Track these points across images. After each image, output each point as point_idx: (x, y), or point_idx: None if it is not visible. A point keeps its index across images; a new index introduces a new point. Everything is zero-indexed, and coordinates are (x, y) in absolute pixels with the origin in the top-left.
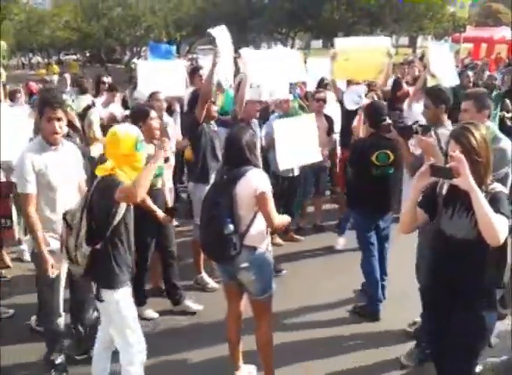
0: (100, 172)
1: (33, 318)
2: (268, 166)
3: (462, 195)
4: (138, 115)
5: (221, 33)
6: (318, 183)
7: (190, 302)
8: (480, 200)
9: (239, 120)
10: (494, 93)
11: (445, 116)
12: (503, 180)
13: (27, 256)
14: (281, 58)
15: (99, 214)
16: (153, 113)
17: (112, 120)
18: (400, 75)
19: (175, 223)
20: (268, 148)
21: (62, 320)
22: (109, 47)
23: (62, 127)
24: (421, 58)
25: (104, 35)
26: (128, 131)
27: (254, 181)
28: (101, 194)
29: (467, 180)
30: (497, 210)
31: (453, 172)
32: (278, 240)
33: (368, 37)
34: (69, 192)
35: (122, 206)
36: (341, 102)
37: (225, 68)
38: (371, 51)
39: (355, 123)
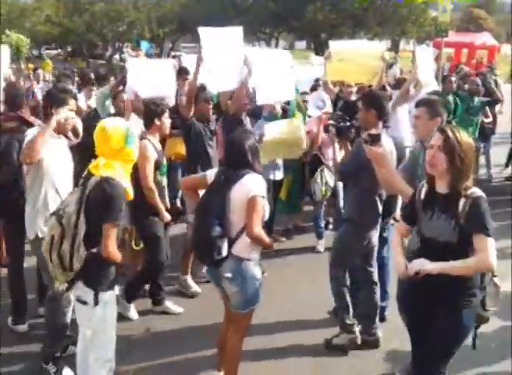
0: (96, 170)
1: (10, 318)
2: None
3: (440, 199)
4: (155, 111)
5: (215, 35)
6: (306, 184)
7: (171, 304)
8: (451, 269)
9: (232, 116)
10: (476, 99)
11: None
12: None
13: None
14: (279, 56)
15: (96, 216)
16: (167, 113)
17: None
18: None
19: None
20: None
21: (70, 310)
22: (91, 42)
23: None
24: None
25: (86, 30)
26: (117, 125)
27: (249, 185)
28: (102, 200)
29: None
30: (478, 228)
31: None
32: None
33: (363, 41)
34: (69, 181)
35: (123, 210)
36: (335, 104)
37: (230, 73)
38: (365, 54)
39: (314, 128)
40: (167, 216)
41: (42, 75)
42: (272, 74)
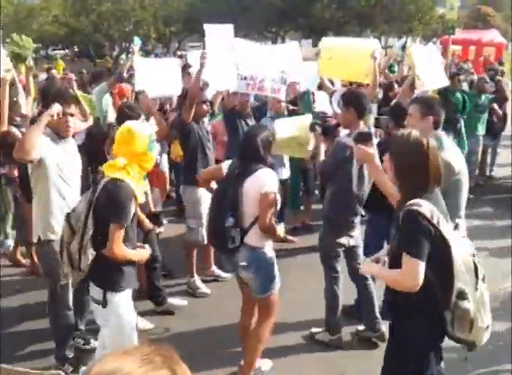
0: (109, 171)
1: None
2: None
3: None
4: (127, 114)
5: (219, 32)
6: (306, 182)
7: (174, 300)
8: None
9: (233, 112)
10: (483, 96)
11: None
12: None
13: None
14: (277, 51)
15: (104, 217)
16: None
17: None
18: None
19: (164, 221)
20: None
21: (72, 314)
22: (98, 42)
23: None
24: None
25: (92, 30)
26: (143, 129)
27: (262, 180)
28: (109, 200)
29: None
30: (402, 245)
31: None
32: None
33: (356, 39)
34: (76, 184)
35: (133, 209)
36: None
37: (222, 69)
38: (354, 51)
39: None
40: (147, 225)
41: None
42: (262, 67)
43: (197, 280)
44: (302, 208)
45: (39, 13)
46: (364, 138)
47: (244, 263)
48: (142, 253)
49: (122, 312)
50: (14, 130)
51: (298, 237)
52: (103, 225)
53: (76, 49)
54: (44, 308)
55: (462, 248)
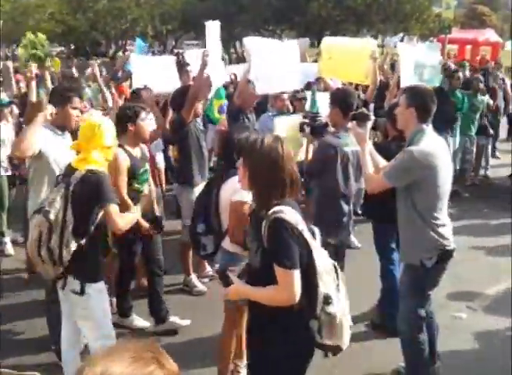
0: (81, 165)
1: None
2: None
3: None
4: (127, 115)
5: (213, 29)
6: (306, 182)
7: (176, 318)
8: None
9: (236, 109)
10: (479, 97)
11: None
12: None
13: (10, 250)
14: (285, 47)
15: (83, 210)
16: (143, 114)
17: None
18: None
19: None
20: None
21: None
22: (94, 40)
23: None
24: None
25: (89, 28)
26: (109, 123)
27: (235, 187)
28: (87, 192)
29: None
30: (273, 257)
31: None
32: None
33: (355, 39)
34: None
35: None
36: None
37: (214, 65)
38: (354, 52)
39: None
40: (145, 228)
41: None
42: (273, 65)
43: (193, 278)
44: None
45: (35, 11)
46: (360, 118)
47: (217, 266)
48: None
49: (99, 301)
50: None
51: None
52: (82, 217)
53: (73, 47)
54: (40, 305)
55: (321, 251)
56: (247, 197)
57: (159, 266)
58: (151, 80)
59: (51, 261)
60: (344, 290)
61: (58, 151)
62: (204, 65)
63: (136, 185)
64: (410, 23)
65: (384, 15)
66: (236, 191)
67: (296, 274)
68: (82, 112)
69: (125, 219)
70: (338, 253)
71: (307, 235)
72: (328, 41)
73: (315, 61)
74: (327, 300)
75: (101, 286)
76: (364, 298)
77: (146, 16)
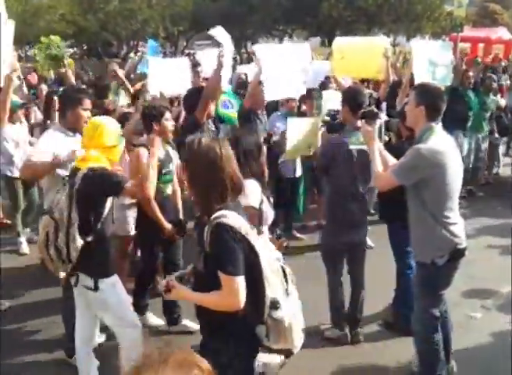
0: (84, 164)
1: None
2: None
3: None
4: (153, 114)
5: (220, 33)
6: (319, 180)
7: (188, 321)
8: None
9: (247, 110)
10: (491, 97)
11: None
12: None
13: (25, 249)
14: (294, 50)
15: (88, 207)
16: (167, 114)
17: None
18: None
19: None
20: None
21: None
22: (105, 41)
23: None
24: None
25: (100, 29)
26: (112, 123)
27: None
28: (91, 187)
29: None
30: (215, 262)
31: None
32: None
33: (367, 37)
34: None
35: (110, 198)
36: None
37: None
38: (366, 50)
39: None
40: (168, 231)
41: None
42: (281, 69)
43: None
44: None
45: (46, 11)
46: (369, 116)
47: None
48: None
49: (118, 291)
50: None
51: (307, 236)
52: (87, 215)
53: (85, 48)
54: (51, 302)
55: (268, 254)
56: (255, 202)
57: (176, 270)
58: (166, 85)
59: (59, 259)
60: (295, 292)
61: (67, 150)
62: (220, 66)
63: (160, 186)
64: (422, 22)
65: (395, 15)
66: (242, 195)
67: (240, 280)
68: (108, 110)
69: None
70: (351, 253)
71: (252, 238)
72: (339, 41)
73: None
74: (274, 305)
75: (113, 279)
76: (378, 297)
77: (157, 17)
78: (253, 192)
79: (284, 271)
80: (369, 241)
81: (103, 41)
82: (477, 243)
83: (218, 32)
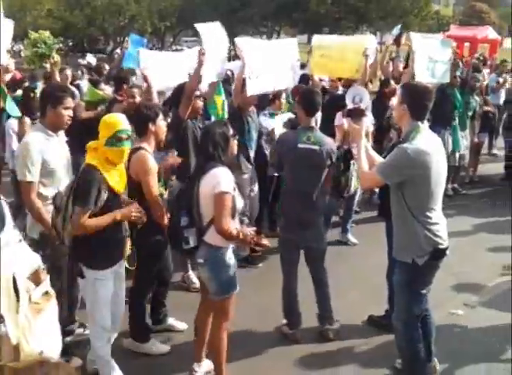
0: (87, 158)
1: None
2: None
3: None
4: (148, 115)
5: (210, 30)
6: None
7: (174, 321)
8: None
9: (236, 109)
10: (476, 97)
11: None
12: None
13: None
14: (279, 46)
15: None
16: (161, 114)
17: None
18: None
19: None
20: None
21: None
22: (92, 36)
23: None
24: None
25: (87, 24)
26: (115, 119)
27: (216, 179)
28: (81, 185)
29: None
30: None
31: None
32: (263, 241)
33: (348, 37)
34: (65, 176)
35: (103, 195)
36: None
37: (216, 66)
38: (346, 49)
39: (344, 122)
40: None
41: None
42: (264, 65)
43: (191, 275)
44: None
45: (33, 7)
46: (356, 114)
47: (201, 260)
48: (114, 215)
49: (99, 289)
50: None
51: None
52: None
53: (71, 43)
54: None
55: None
56: (229, 187)
57: (168, 277)
58: (163, 76)
59: (58, 239)
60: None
61: (52, 151)
62: (200, 63)
63: (159, 188)
64: (409, 20)
65: (383, 12)
66: (216, 184)
67: None
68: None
69: (85, 226)
70: (306, 252)
71: None
72: (319, 39)
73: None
74: None
75: (99, 275)
76: (362, 296)
77: (144, 13)
78: (226, 179)
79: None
80: (353, 238)
81: (89, 37)
82: (461, 241)
83: (206, 27)
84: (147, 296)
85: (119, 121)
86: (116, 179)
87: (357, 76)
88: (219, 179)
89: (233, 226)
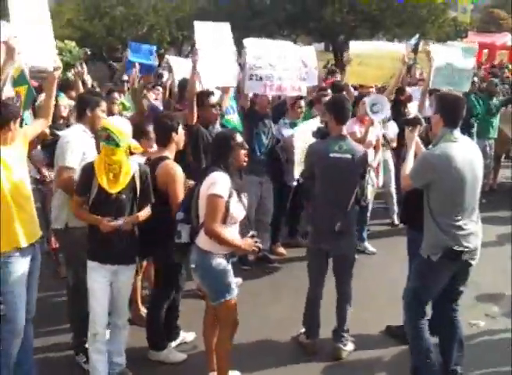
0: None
1: None
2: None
3: None
4: (172, 125)
5: (209, 29)
6: None
7: (183, 333)
8: None
9: (251, 112)
10: (494, 100)
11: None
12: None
13: None
14: (292, 48)
15: None
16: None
17: None
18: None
19: None
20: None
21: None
22: (111, 45)
23: None
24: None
25: (106, 34)
26: (115, 123)
27: (211, 182)
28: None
29: None
30: None
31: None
32: (280, 249)
33: (383, 43)
34: None
35: (93, 190)
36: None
37: (223, 69)
38: (384, 56)
39: (356, 130)
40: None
41: None
42: (269, 65)
43: None
44: None
45: (52, 17)
46: (412, 123)
47: (193, 265)
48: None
49: (88, 280)
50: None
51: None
52: None
53: (90, 52)
54: (51, 300)
55: None
56: (222, 191)
57: (183, 282)
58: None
59: None
60: None
61: (90, 147)
62: (194, 64)
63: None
64: (426, 27)
65: (399, 19)
66: (210, 187)
67: None
68: None
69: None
70: (335, 264)
71: None
72: (356, 47)
73: (325, 66)
74: None
75: (90, 264)
76: (380, 305)
77: (162, 22)
78: (220, 183)
79: None
80: (370, 247)
81: (108, 46)
82: (482, 249)
83: (204, 26)
84: (165, 304)
85: (106, 121)
86: (110, 178)
87: (391, 82)
88: (215, 182)
89: (226, 231)
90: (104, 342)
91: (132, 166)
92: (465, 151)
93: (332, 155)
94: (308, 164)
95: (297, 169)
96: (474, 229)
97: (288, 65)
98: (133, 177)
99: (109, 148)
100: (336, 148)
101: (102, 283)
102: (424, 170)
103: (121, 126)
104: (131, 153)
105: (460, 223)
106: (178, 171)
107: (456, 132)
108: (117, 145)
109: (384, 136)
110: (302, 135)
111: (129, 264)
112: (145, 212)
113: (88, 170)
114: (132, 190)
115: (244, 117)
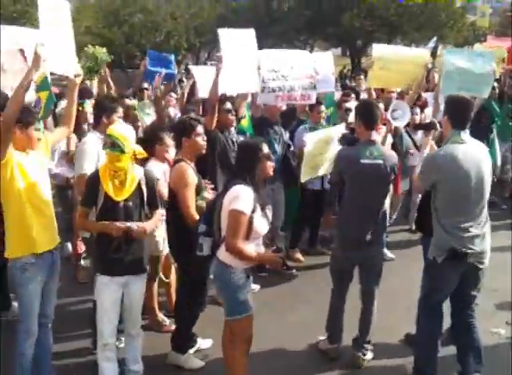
0: None
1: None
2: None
3: None
4: (182, 128)
5: (233, 36)
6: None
7: (200, 339)
8: None
9: (262, 119)
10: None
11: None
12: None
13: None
14: (304, 59)
15: None
16: (199, 127)
17: None
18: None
19: None
20: (299, 161)
21: None
22: (129, 52)
23: None
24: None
25: (125, 41)
26: (121, 131)
27: (233, 196)
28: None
29: None
30: None
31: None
32: (297, 255)
33: (406, 48)
34: None
35: (100, 199)
36: None
37: (242, 72)
38: (406, 61)
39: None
40: None
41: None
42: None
43: None
44: None
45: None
46: (427, 127)
47: (211, 276)
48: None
49: (97, 293)
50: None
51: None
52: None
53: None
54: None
55: None
56: (245, 207)
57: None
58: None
59: None
60: None
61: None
62: (218, 72)
63: (199, 202)
64: (445, 32)
65: (417, 23)
66: (232, 201)
67: None
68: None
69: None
70: (361, 271)
71: None
72: (380, 51)
73: (341, 71)
74: None
75: (100, 279)
76: (397, 313)
77: (181, 29)
78: (244, 198)
79: None
80: (389, 253)
81: (127, 53)
82: (502, 256)
83: (228, 33)
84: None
85: (110, 128)
86: (116, 185)
87: (412, 87)
88: (237, 196)
89: (249, 247)
90: (114, 350)
91: (137, 172)
92: (472, 153)
93: (362, 161)
94: (337, 170)
95: (303, 174)
96: (480, 232)
97: (299, 74)
98: (139, 184)
99: (114, 155)
100: (366, 153)
101: (112, 297)
102: (429, 170)
103: (124, 133)
104: (135, 159)
105: (464, 224)
106: (188, 174)
107: (464, 134)
108: (122, 152)
109: (413, 141)
110: (314, 140)
111: (140, 274)
112: (154, 221)
113: (94, 179)
114: (139, 196)
115: (255, 126)
